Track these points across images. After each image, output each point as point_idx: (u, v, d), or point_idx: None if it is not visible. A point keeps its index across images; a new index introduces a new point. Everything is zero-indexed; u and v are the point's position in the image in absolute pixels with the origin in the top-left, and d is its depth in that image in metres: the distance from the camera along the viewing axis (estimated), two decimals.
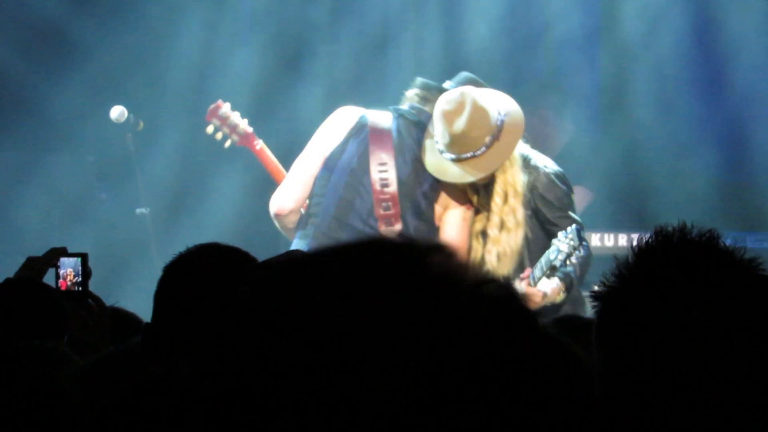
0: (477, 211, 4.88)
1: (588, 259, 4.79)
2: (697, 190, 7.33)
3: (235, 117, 5.23)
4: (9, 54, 7.26)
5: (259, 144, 5.19)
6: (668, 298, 1.49)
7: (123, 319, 3.30)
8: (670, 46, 7.39)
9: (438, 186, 4.83)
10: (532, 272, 4.72)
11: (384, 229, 4.81)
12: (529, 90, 7.17)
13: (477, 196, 4.86)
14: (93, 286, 6.98)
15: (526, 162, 4.88)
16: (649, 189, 7.44)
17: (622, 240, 6.76)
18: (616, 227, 6.90)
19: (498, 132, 4.74)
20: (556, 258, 4.60)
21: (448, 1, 7.50)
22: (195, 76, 7.43)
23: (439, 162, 4.79)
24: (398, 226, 4.81)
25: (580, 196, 5.16)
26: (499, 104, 4.80)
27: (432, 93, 4.88)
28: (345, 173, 4.88)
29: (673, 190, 7.41)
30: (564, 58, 7.55)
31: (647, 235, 1.53)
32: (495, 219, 4.79)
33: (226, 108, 5.24)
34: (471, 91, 4.76)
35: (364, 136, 4.91)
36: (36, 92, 7.25)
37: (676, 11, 7.40)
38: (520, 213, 4.80)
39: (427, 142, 4.84)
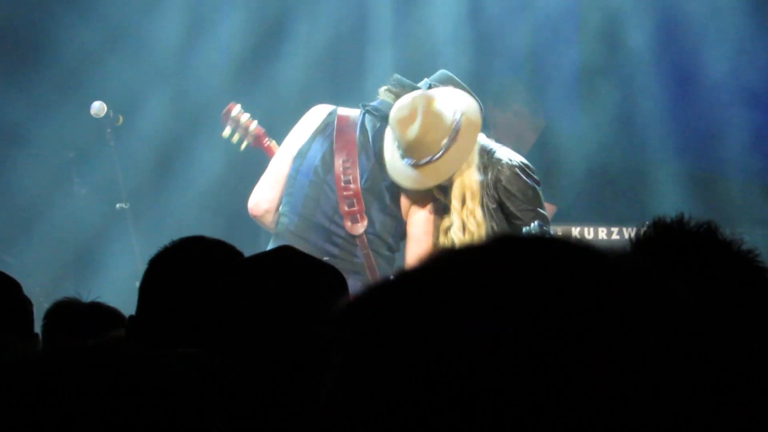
0: (446, 209, 4.87)
1: None
2: (668, 182, 7.33)
3: (246, 118, 5.25)
4: None
5: (269, 142, 5.22)
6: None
7: (104, 314, 3.29)
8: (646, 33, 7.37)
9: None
10: None
11: (349, 226, 4.81)
12: (502, 85, 7.18)
13: (443, 195, 4.86)
14: (74, 281, 6.95)
15: (489, 155, 4.83)
16: (626, 180, 7.45)
17: (602, 233, 6.77)
18: (594, 220, 6.89)
19: (455, 133, 4.71)
20: None
21: None
22: (174, 62, 7.40)
23: (399, 167, 4.76)
24: (364, 223, 4.81)
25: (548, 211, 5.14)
26: (455, 104, 4.75)
27: (405, 90, 4.86)
28: (310, 171, 4.89)
29: (651, 181, 7.41)
30: (541, 37, 7.52)
31: (645, 226, 1.51)
32: (456, 221, 4.78)
33: (237, 110, 5.26)
34: (423, 95, 4.72)
35: (329, 133, 4.92)
36: (8, 84, 7.20)
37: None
38: (479, 213, 4.78)
39: (387, 147, 4.82)
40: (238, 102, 5.34)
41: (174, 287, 2.19)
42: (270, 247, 4.81)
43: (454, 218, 4.78)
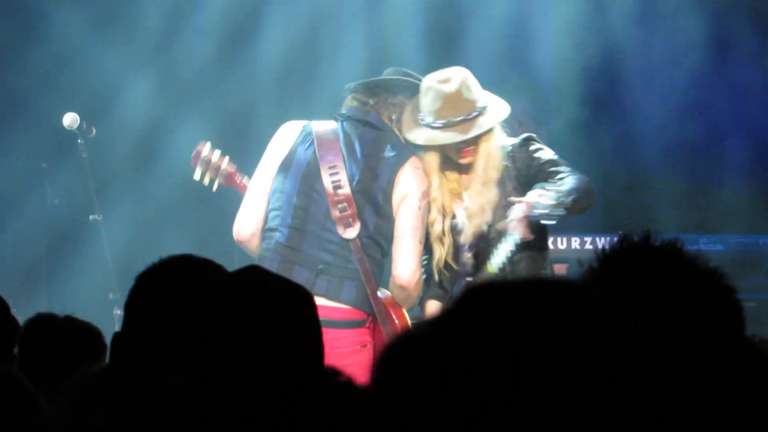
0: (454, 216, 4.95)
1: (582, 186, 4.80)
2: (654, 192, 7.40)
3: (216, 157, 5.19)
4: None
5: (241, 179, 5.15)
6: (630, 305, 1.53)
7: (78, 329, 3.26)
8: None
9: (395, 178, 4.85)
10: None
11: (342, 231, 4.82)
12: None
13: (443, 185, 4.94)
14: (46, 292, 6.95)
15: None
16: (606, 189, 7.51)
17: (575, 243, 6.84)
18: (566, 230, 6.97)
19: (487, 103, 4.89)
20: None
21: None
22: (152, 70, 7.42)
23: (426, 132, 4.89)
24: (357, 226, 4.82)
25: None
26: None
27: (370, 90, 4.95)
28: (297, 182, 4.89)
29: (631, 190, 7.48)
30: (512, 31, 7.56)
31: (612, 241, 1.56)
32: (474, 187, 4.88)
33: (206, 150, 5.19)
34: (458, 68, 4.94)
35: (310, 143, 4.93)
36: None
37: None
38: (493, 189, 4.88)
39: (407, 119, 4.93)
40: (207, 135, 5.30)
41: (161, 305, 2.21)
42: (257, 261, 4.84)
43: (473, 183, 4.87)
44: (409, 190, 4.85)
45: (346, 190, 4.85)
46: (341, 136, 4.94)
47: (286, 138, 5.00)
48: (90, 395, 2.12)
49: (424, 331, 1.11)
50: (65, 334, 3.18)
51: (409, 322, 4.98)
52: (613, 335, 1.07)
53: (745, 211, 7.33)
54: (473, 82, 4.91)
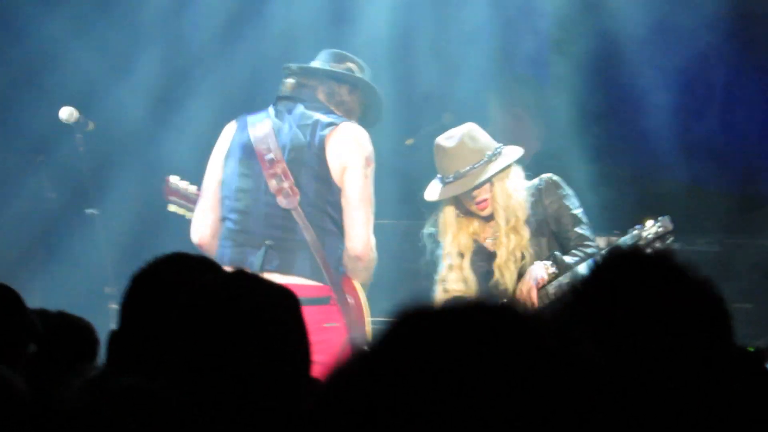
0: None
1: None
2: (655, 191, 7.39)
3: (185, 186, 5.32)
4: None
5: None
6: (621, 317, 1.54)
7: (70, 325, 3.24)
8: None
9: (325, 142, 4.91)
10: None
11: (283, 201, 4.89)
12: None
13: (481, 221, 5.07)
14: (41, 286, 6.96)
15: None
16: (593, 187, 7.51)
17: None
18: None
19: (496, 151, 5.03)
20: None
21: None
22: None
23: (440, 188, 5.07)
24: (297, 196, 4.88)
25: None
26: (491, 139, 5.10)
27: (304, 73, 5.09)
28: (235, 167, 5.02)
29: (632, 183, 7.47)
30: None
31: (603, 253, 1.58)
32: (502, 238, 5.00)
33: (175, 181, 5.33)
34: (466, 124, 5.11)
35: (244, 130, 5.06)
36: None
37: None
38: (525, 232, 5.01)
39: (428, 188, 5.12)
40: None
41: (156, 305, 2.22)
42: (218, 253, 4.94)
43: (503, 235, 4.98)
44: (349, 158, 4.91)
45: (280, 161, 4.92)
46: (273, 114, 5.05)
47: (224, 137, 5.14)
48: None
49: (358, 359, 1.15)
50: (57, 331, 3.16)
51: (363, 300, 5.00)
52: (542, 365, 1.09)
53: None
54: (479, 133, 5.03)
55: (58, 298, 6.18)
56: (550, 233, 5.00)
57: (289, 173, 4.91)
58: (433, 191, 5.08)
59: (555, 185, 5.05)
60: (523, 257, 4.97)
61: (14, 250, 7.16)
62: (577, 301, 1.60)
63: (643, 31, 7.28)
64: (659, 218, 4.76)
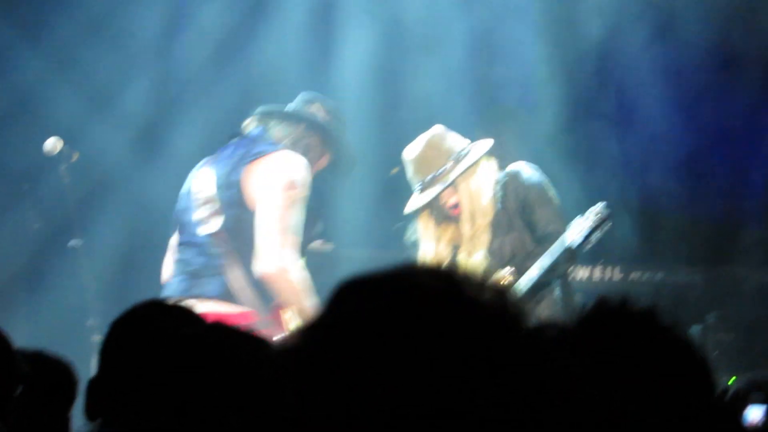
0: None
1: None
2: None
3: None
4: None
5: None
6: (603, 374, 1.52)
7: (48, 365, 3.14)
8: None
9: (248, 167, 4.99)
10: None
11: (204, 229, 5.02)
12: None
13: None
14: (25, 317, 6.90)
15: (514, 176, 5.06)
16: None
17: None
18: None
19: (462, 152, 5.04)
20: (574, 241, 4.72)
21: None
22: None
23: (413, 199, 5.11)
24: (219, 221, 4.97)
25: None
26: (460, 139, 5.14)
27: (263, 113, 5.23)
28: (180, 202, 5.20)
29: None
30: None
31: (589, 305, 1.57)
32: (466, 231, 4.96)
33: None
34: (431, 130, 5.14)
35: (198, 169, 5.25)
36: None
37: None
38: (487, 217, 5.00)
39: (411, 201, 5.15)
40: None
41: (134, 352, 2.22)
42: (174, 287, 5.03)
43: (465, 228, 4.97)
44: (265, 182, 4.95)
45: (210, 190, 5.04)
46: (226, 150, 5.15)
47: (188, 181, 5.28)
48: None
49: (298, 334, 1.16)
50: (35, 371, 3.11)
51: (286, 322, 4.96)
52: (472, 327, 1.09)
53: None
54: (442, 138, 5.05)
55: (41, 328, 6.14)
56: (522, 226, 4.97)
57: (216, 200, 5.01)
58: (410, 203, 5.13)
59: (516, 176, 5.02)
60: (489, 257, 4.94)
61: (0, 280, 7.13)
62: (560, 347, 1.59)
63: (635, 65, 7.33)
64: (597, 206, 4.81)
